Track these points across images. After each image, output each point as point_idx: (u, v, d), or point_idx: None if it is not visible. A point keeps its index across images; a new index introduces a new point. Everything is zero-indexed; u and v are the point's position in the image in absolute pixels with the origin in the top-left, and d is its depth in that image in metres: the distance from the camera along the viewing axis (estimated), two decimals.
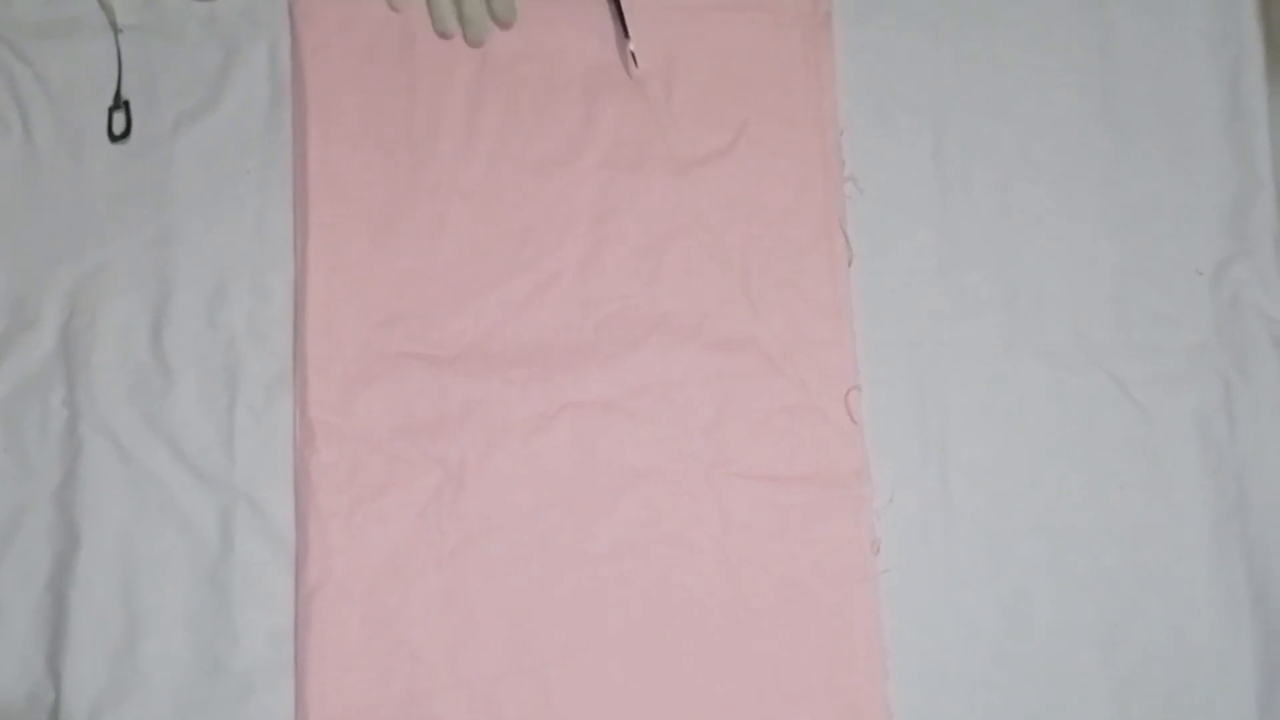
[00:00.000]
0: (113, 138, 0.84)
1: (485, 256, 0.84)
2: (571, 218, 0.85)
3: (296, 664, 0.78)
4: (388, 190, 0.84)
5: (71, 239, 0.82)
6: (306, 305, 0.82)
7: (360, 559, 0.79)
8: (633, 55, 0.85)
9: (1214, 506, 0.85)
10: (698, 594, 0.81)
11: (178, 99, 0.85)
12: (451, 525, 0.80)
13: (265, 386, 0.81)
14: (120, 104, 0.84)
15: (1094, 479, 0.86)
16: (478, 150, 0.85)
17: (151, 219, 0.83)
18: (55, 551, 0.78)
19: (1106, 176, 0.90)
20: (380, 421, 0.81)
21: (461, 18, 0.86)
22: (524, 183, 0.85)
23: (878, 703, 0.81)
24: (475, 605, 0.79)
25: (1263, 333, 0.88)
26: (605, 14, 0.88)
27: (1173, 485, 0.86)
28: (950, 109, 0.90)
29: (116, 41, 0.85)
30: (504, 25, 0.87)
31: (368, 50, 0.86)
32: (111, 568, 0.78)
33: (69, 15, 0.85)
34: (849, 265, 0.87)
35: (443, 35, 0.86)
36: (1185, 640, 0.84)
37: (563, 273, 0.84)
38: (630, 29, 0.85)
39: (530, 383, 0.82)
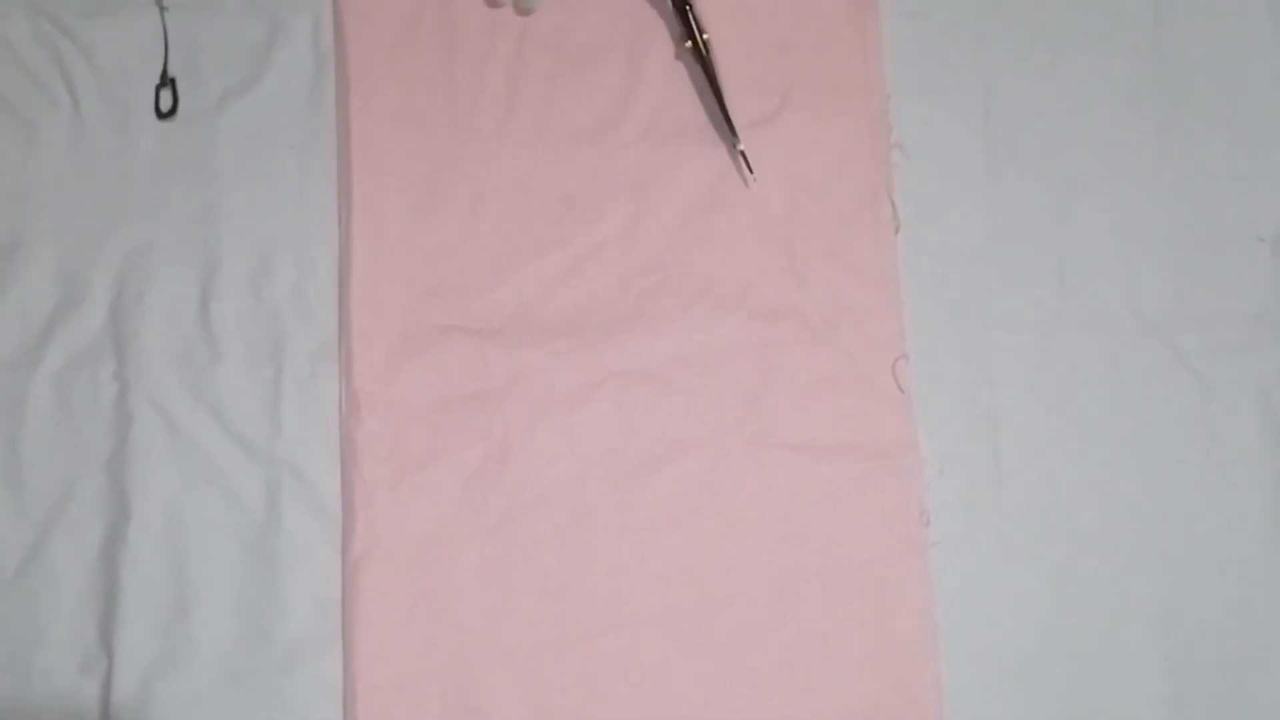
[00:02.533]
0: (159, 115, 0.85)
1: (527, 228, 0.84)
2: (612, 188, 0.85)
3: (343, 634, 0.78)
4: (430, 162, 0.84)
5: (119, 215, 0.83)
6: (350, 278, 0.82)
7: (405, 530, 0.79)
8: (744, 158, 0.84)
9: (1275, 480, 0.83)
10: (741, 566, 0.80)
11: (223, 75, 0.86)
12: (495, 496, 0.80)
13: (310, 358, 0.82)
14: (166, 81, 0.85)
15: (1150, 451, 0.84)
16: (519, 121, 0.85)
17: (197, 194, 0.84)
18: (107, 522, 0.79)
19: (1161, 141, 0.88)
20: (424, 393, 0.81)
21: None
22: (565, 154, 0.85)
23: (928, 678, 0.80)
24: (518, 576, 0.79)
25: None
26: None
27: (1231, 458, 0.84)
28: (999, 73, 0.88)
29: (162, 19, 0.86)
30: None
31: (409, 23, 0.86)
32: (161, 538, 0.79)
33: None
34: (896, 233, 0.85)
35: (491, 4, 0.86)
36: (1242, 617, 0.82)
37: (604, 244, 0.84)
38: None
39: (572, 354, 0.82)
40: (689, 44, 0.84)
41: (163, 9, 0.86)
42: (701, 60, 0.84)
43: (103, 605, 0.78)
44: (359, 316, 0.82)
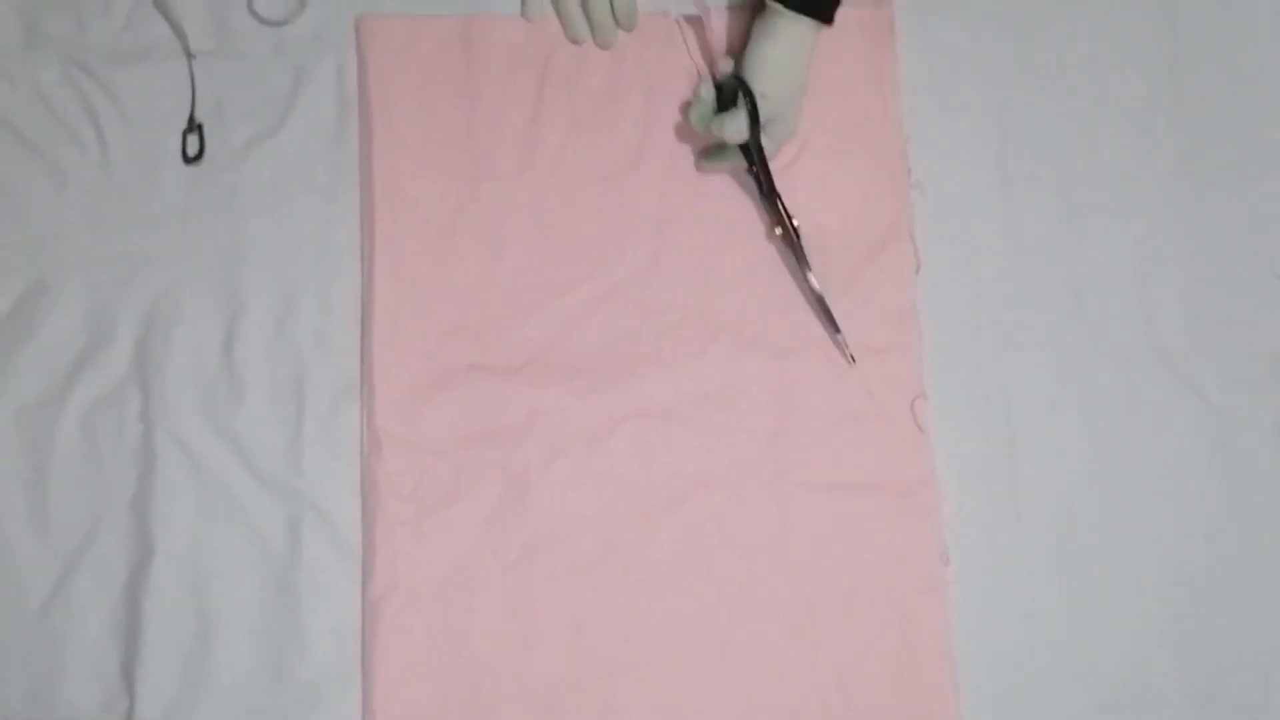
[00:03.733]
0: (186, 159, 0.86)
1: (547, 267, 0.85)
2: (632, 227, 0.86)
3: (363, 671, 0.78)
4: (451, 203, 0.86)
5: (146, 257, 0.85)
6: (373, 317, 0.83)
7: (425, 567, 0.79)
8: (844, 345, 0.84)
9: None
10: (760, 605, 0.80)
11: (248, 120, 0.87)
12: (515, 534, 0.80)
13: (332, 397, 0.83)
14: (194, 127, 0.87)
15: (1168, 484, 0.84)
16: (538, 162, 0.86)
17: (222, 236, 0.85)
18: (130, 560, 0.80)
19: (1177, 175, 0.88)
20: (445, 431, 0.82)
21: (590, 23, 0.87)
22: (584, 193, 0.86)
23: (948, 714, 0.79)
24: (538, 613, 0.79)
25: None
26: (666, 25, 0.89)
27: (1251, 492, 0.84)
28: (1013, 108, 0.89)
29: (190, 66, 0.88)
30: (626, 28, 0.88)
31: (431, 68, 0.88)
32: (184, 575, 0.80)
33: (145, 42, 0.88)
34: (917, 272, 0.86)
35: (574, 41, 0.88)
36: (1263, 647, 0.81)
37: (624, 282, 0.85)
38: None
39: (592, 392, 0.83)
40: (779, 230, 0.84)
41: (190, 56, 0.88)
42: (792, 246, 0.84)
43: (125, 641, 0.79)
44: (381, 355, 0.82)
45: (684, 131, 0.87)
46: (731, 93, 0.81)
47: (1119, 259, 0.87)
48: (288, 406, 0.82)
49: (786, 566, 0.81)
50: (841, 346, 0.84)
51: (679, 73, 0.89)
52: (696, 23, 0.89)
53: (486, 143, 0.87)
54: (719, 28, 0.88)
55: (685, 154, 0.87)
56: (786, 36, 0.81)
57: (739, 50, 0.84)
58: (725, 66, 0.84)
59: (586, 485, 0.82)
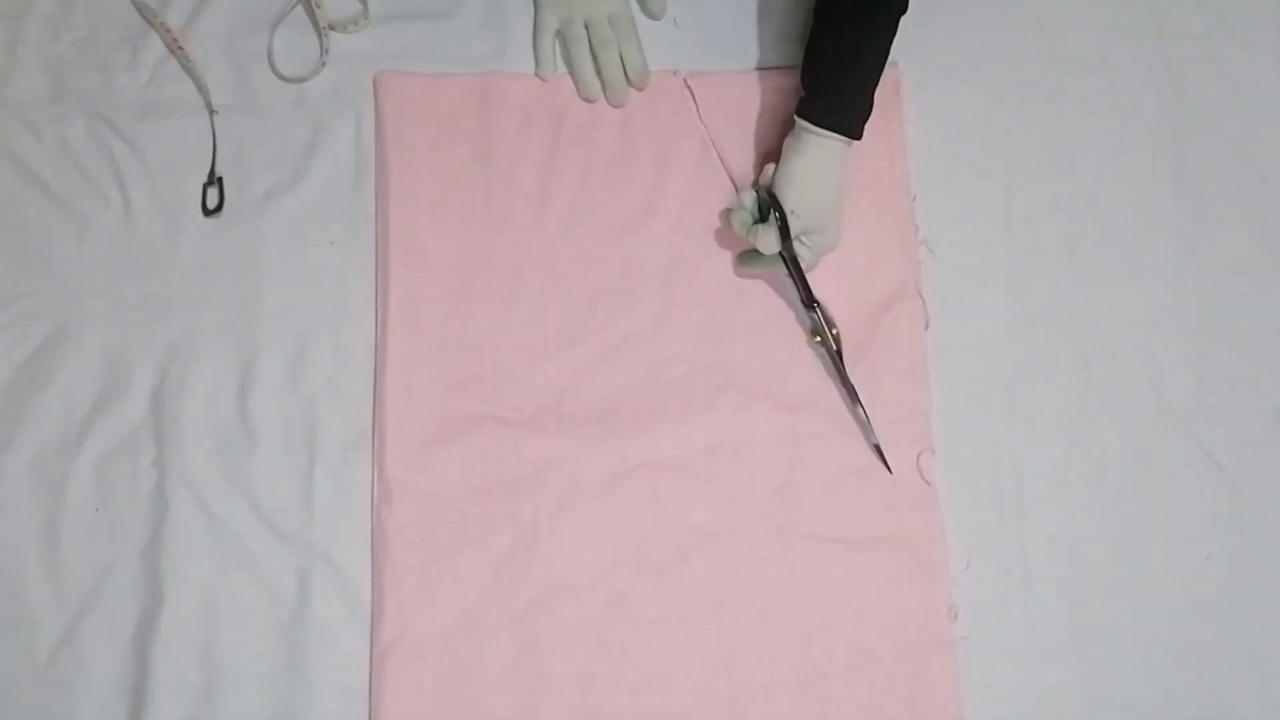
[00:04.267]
0: (206, 212, 0.88)
1: (558, 319, 0.86)
2: (642, 280, 0.87)
3: None
4: (465, 257, 0.87)
5: (164, 307, 0.86)
6: (386, 367, 0.84)
7: (434, 617, 0.80)
8: (880, 453, 0.84)
9: None
10: (769, 656, 0.80)
11: (268, 174, 0.89)
12: (523, 584, 0.81)
13: (343, 447, 0.83)
14: (214, 180, 0.88)
15: (1178, 546, 0.84)
16: (551, 217, 0.88)
17: (239, 287, 0.86)
18: (140, 608, 0.80)
19: (1180, 237, 0.89)
20: (455, 480, 0.82)
21: (603, 82, 0.89)
22: (596, 247, 0.87)
23: None
24: (546, 665, 0.79)
25: None
26: (675, 84, 0.90)
27: (1262, 553, 0.83)
28: (1020, 172, 0.90)
29: (211, 121, 0.90)
30: (638, 87, 0.90)
31: (446, 124, 0.89)
32: (193, 624, 0.80)
33: (168, 97, 0.90)
34: (925, 329, 0.86)
35: (587, 100, 0.90)
36: (1277, 714, 0.80)
37: (633, 334, 0.86)
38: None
39: (602, 443, 0.83)
40: (819, 339, 0.85)
41: (213, 112, 0.90)
42: (830, 353, 0.85)
43: (133, 691, 0.79)
44: (393, 405, 0.83)
45: (693, 187, 0.89)
46: (765, 206, 0.82)
47: (1125, 321, 0.87)
48: (300, 456, 0.83)
49: (795, 618, 0.81)
50: (879, 456, 0.84)
51: (688, 130, 0.90)
52: (706, 82, 0.90)
53: (500, 198, 0.88)
54: (722, 87, 0.90)
55: (694, 209, 0.88)
56: (816, 154, 0.81)
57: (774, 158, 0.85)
58: (766, 178, 0.84)
59: (595, 536, 0.82)
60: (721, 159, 0.90)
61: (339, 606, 0.80)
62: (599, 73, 0.89)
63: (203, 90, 0.90)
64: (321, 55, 0.90)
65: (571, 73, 0.90)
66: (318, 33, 0.91)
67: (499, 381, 0.85)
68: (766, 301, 0.87)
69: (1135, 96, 0.92)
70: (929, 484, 0.83)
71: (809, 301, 0.84)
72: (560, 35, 0.90)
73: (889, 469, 0.83)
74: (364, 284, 0.87)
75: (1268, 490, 0.84)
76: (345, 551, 0.81)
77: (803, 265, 0.83)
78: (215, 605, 0.80)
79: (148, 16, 0.91)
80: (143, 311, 0.86)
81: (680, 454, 0.83)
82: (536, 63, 0.90)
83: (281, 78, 0.91)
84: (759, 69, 0.91)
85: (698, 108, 0.90)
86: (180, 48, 0.90)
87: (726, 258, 0.88)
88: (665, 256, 0.87)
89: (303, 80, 0.91)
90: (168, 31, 0.90)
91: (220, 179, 0.88)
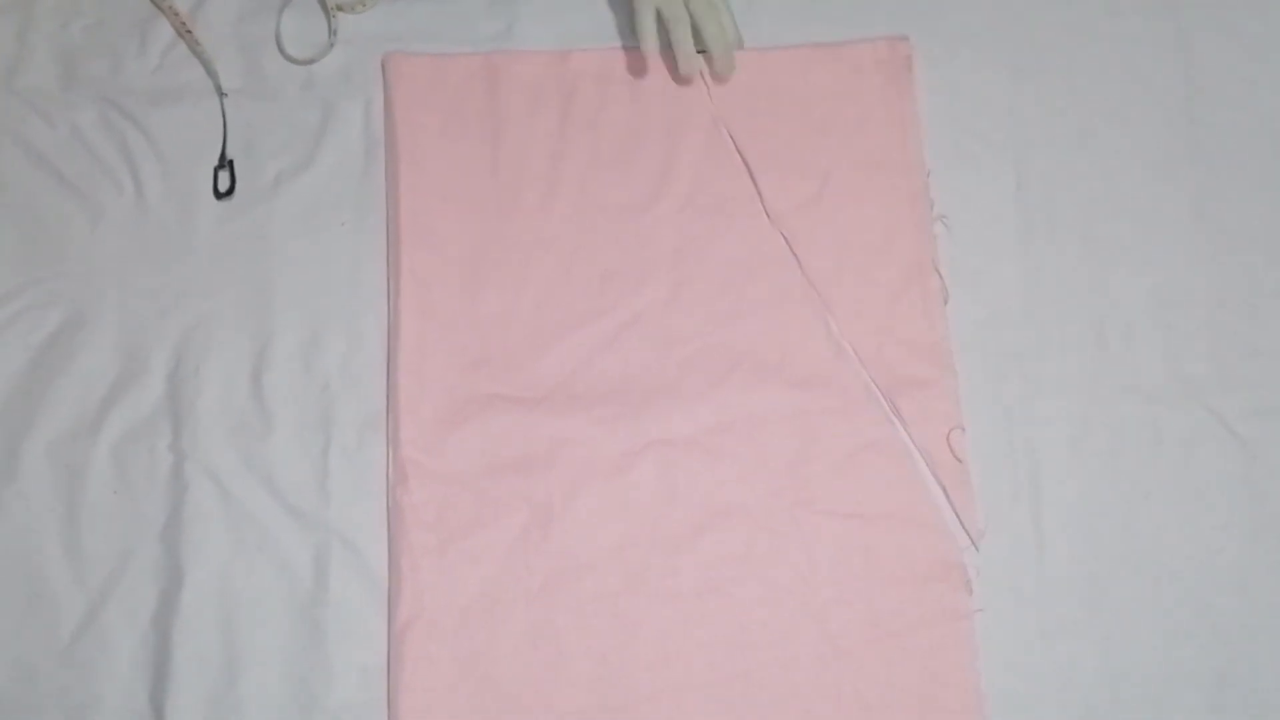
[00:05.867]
0: (218, 195, 0.88)
1: (569, 299, 0.86)
2: (653, 259, 0.87)
3: (388, 699, 0.79)
4: (475, 238, 0.87)
5: (178, 291, 0.86)
6: (399, 349, 0.84)
7: (451, 596, 0.80)
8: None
9: None
10: (784, 633, 0.80)
11: (278, 157, 0.89)
12: (539, 563, 0.81)
13: (358, 429, 0.84)
14: (225, 163, 0.89)
15: (1194, 517, 0.83)
16: (560, 198, 0.88)
17: (252, 271, 0.87)
18: (160, 590, 0.81)
19: (1195, 208, 0.89)
20: (470, 461, 0.83)
21: (709, 57, 0.89)
22: (606, 227, 0.87)
23: None
24: (562, 642, 0.80)
25: None
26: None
27: (1277, 521, 0.83)
28: (1032, 145, 0.90)
29: (221, 105, 0.90)
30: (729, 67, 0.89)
31: (456, 107, 0.89)
32: (212, 605, 0.81)
33: (178, 82, 0.90)
34: (945, 304, 0.86)
35: (686, 79, 0.90)
36: None
37: (644, 313, 0.86)
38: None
39: (615, 422, 0.83)
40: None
41: (223, 96, 0.90)
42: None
43: (154, 672, 0.80)
44: (406, 387, 0.84)
45: (703, 166, 0.89)
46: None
47: (1140, 293, 0.87)
48: (315, 438, 0.84)
49: (809, 594, 0.81)
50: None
51: (699, 109, 0.90)
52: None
53: (510, 179, 0.88)
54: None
55: (704, 188, 0.88)
56: None
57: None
58: None
59: (610, 514, 0.82)
60: (732, 137, 0.89)
61: (356, 586, 0.81)
62: (704, 42, 0.88)
63: (212, 74, 0.90)
64: (330, 36, 0.90)
65: (675, 50, 0.88)
66: (325, 14, 0.91)
67: (511, 362, 0.85)
68: (777, 279, 0.87)
69: (1148, 67, 0.91)
70: (960, 461, 0.83)
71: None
72: (659, 14, 0.88)
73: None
74: (376, 266, 0.87)
75: None
76: (361, 532, 0.82)
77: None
78: (234, 586, 0.81)
79: (156, 1, 0.91)
80: (157, 296, 0.86)
81: (693, 432, 0.83)
82: (641, 40, 0.88)
83: (290, 60, 0.91)
84: (767, 48, 0.91)
85: (708, 86, 0.90)
86: (189, 31, 0.90)
87: (737, 236, 0.88)
88: (675, 235, 0.87)
89: (311, 62, 0.91)
90: (176, 16, 0.91)
91: (231, 162, 0.89)
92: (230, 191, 0.88)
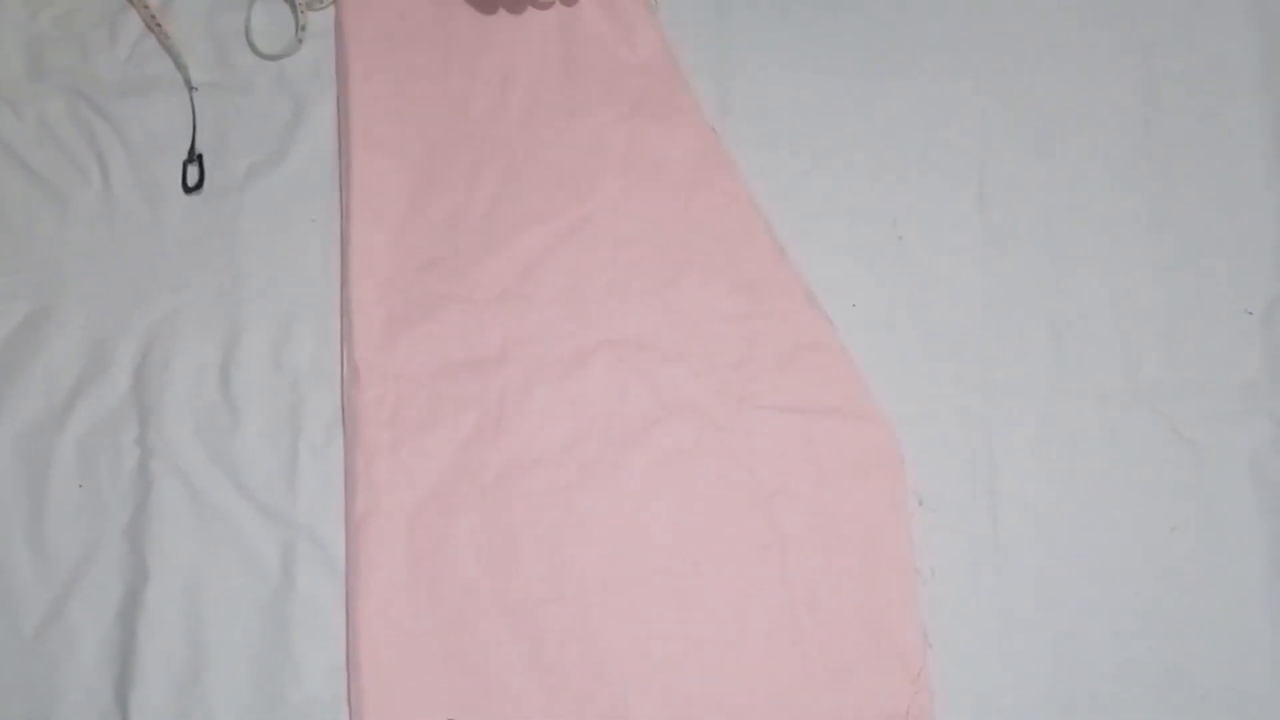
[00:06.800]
0: (186, 189, 0.88)
1: (520, 201, 0.87)
2: (602, 164, 0.88)
3: (347, 592, 0.80)
4: (426, 145, 0.88)
5: (146, 285, 0.86)
6: (350, 253, 0.85)
7: (405, 490, 0.81)
8: None
9: (1270, 547, 0.84)
10: (731, 523, 0.82)
11: (248, 151, 0.89)
12: (492, 458, 0.82)
13: (326, 425, 0.84)
14: (194, 157, 0.88)
15: (1146, 519, 0.85)
16: (510, 104, 0.89)
17: (222, 266, 0.87)
18: (125, 585, 0.81)
19: (1152, 217, 0.90)
20: (423, 360, 0.84)
21: None
22: (556, 131, 0.89)
23: (911, 628, 0.81)
24: (516, 535, 0.81)
25: None
26: None
27: (1227, 526, 0.85)
28: (993, 152, 0.91)
29: (191, 99, 0.89)
30: None
31: (405, 18, 0.90)
32: (178, 601, 0.80)
33: (147, 74, 0.90)
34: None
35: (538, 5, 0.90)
36: (1244, 687, 0.82)
37: (595, 215, 0.87)
38: None
39: (566, 321, 0.85)
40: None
41: (192, 89, 0.89)
42: None
43: (119, 667, 0.79)
44: (359, 290, 0.84)
45: (653, 73, 0.90)
46: None
47: (1097, 299, 0.88)
48: (283, 434, 0.84)
49: (754, 485, 0.83)
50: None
51: (646, 13, 0.91)
52: None
53: (461, 89, 0.89)
54: None
55: (654, 93, 0.89)
56: None
57: None
58: None
59: (561, 411, 0.83)
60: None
61: (324, 583, 0.81)
62: None
63: (181, 68, 0.90)
64: (298, 33, 0.90)
65: None
66: (294, 10, 0.90)
67: (463, 263, 0.86)
68: (725, 185, 0.88)
69: (1108, 77, 0.92)
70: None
71: None
72: None
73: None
74: None
75: (1231, 463, 0.86)
76: (329, 529, 0.82)
77: None
78: (200, 582, 0.81)
79: None
80: (124, 289, 0.86)
81: (642, 331, 0.85)
82: None
83: (259, 55, 0.90)
84: None
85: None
86: (159, 24, 0.90)
87: (686, 141, 0.89)
88: (625, 139, 0.89)
89: (280, 57, 0.90)
90: (146, 8, 0.90)
91: (200, 156, 0.88)
92: (199, 186, 0.88)
